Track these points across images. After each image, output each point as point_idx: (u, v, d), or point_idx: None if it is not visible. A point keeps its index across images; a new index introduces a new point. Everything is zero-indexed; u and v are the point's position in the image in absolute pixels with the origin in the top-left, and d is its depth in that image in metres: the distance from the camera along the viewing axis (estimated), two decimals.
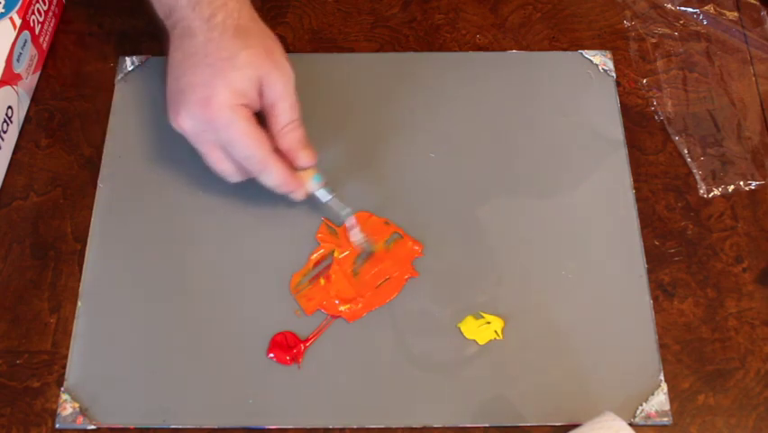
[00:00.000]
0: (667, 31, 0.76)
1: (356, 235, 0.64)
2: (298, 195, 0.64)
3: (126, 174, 0.69)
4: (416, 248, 0.65)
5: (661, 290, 0.64)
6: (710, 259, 0.65)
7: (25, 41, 0.71)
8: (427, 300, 0.63)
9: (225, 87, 0.60)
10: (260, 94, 0.61)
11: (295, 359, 0.61)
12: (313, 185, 0.64)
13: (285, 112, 0.62)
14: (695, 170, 0.68)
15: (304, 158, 0.63)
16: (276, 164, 0.62)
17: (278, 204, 0.67)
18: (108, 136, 0.71)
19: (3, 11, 0.69)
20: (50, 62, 0.75)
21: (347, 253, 0.64)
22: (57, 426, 0.59)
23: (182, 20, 0.62)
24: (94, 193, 0.68)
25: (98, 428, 0.59)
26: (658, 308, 0.63)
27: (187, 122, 0.61)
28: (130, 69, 0.74)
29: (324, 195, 0.65)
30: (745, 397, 0.60)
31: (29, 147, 0.71)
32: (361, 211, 0.66)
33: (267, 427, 0.59)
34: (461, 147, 0.69)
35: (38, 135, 0.72)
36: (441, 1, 0.78)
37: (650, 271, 0.64)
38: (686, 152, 0.69)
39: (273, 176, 0.62)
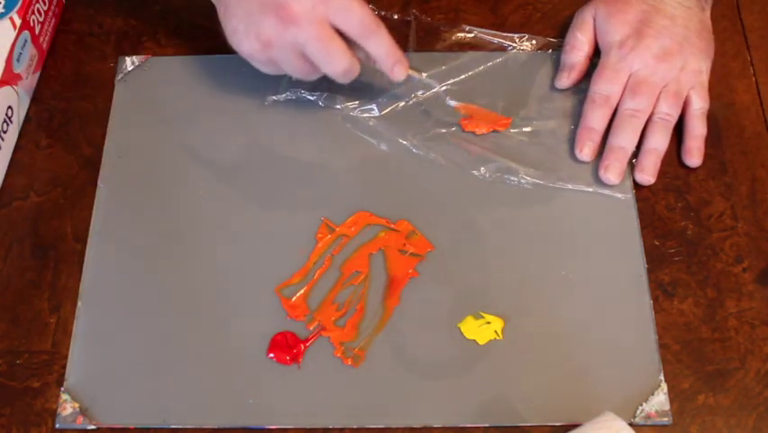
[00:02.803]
0: None
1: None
2: (401, 69, 0.66)
3: (126, 174, 0.69)
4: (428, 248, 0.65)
5: (661, 290, 0.64)
6: (710, 259, 0.65)
7: (25, 41, 0.71)
8: (427, 300, 0.63)
9: None
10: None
11: (295, 359, 0.61)
12: None
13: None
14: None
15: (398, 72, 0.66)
16: (380, 31, 0.64)
17: (278, 202, 0.67)
18: (108, 136, 0.71)
19: (3, 11, 0.69)
20: (50, 62, 0.75)
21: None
22: (57, 426, 0.59)
23: None
24: (94, 193, 0.68)
25: (98, 428, 0.59)
26: (658, 308, 0.63)
27: (270, 33, 0.63)
28: (130, 69, 0.74)
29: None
30: (745, 397, 0.60)
31: (29, 147, 0.71)
32: (361, 211, 0.67)
33: (267, 427, 0.59)
34: (460, 146, 0.70)
35: (38, 135, 0.72)
36: (441, 1, 0.78)
37: (650, 271, 0.64)
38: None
39: (382, 42, 0.65)
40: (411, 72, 0.68)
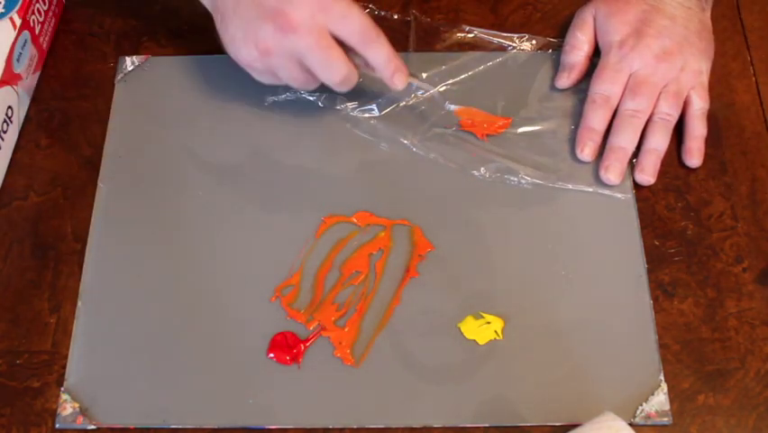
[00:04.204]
0: None
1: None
2: (401, 77, 0.66)
3: (126, 174, 0.69)
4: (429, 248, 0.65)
5: (661, 290, 0.64)
6: (710, 259, 0.65)
7: (25, 41, 0.71)
8: (427, 300, 0.63)
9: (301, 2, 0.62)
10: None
11: (295, 359, 0.61)
12: None
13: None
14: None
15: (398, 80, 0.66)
16: (380, 39, 0.64)
17: (279, 203, 0.67)
18: (108, 136, 0.71)
19: (3, 11, 0.69)
20: (50, 62, 0.75)
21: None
22: (57, 426, 0.59)
23: None
24: (94, 193, 0.68)
25: (98, 428, 0.59)
26: (658, 308, 0.63)
27: (269, 41, 0.62)
28: (130, 69, 0.74)
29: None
30: (745, 397, 0.60)
31: (29, 147, 0.71)
32: (362, 211, 0.67)
33: (267, 427, 0.59)
34: (460, 146, 0.70)
35: (38, 135, 0.72)
36: (441, 1, 0.78)
37: (650, 271, 0.64)
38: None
39: (382, 50, 0.64)
40: (410, 79, 0.68)
